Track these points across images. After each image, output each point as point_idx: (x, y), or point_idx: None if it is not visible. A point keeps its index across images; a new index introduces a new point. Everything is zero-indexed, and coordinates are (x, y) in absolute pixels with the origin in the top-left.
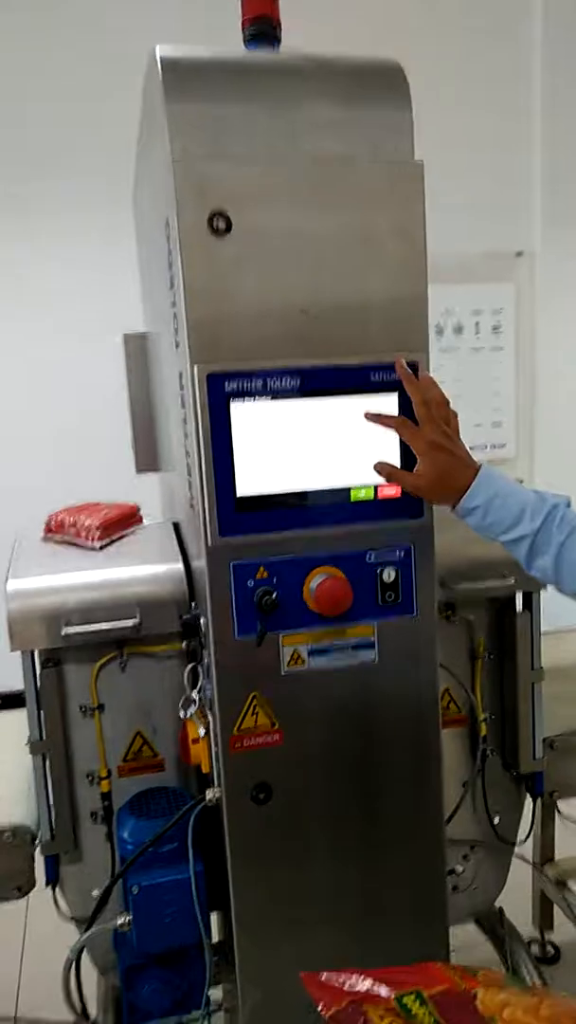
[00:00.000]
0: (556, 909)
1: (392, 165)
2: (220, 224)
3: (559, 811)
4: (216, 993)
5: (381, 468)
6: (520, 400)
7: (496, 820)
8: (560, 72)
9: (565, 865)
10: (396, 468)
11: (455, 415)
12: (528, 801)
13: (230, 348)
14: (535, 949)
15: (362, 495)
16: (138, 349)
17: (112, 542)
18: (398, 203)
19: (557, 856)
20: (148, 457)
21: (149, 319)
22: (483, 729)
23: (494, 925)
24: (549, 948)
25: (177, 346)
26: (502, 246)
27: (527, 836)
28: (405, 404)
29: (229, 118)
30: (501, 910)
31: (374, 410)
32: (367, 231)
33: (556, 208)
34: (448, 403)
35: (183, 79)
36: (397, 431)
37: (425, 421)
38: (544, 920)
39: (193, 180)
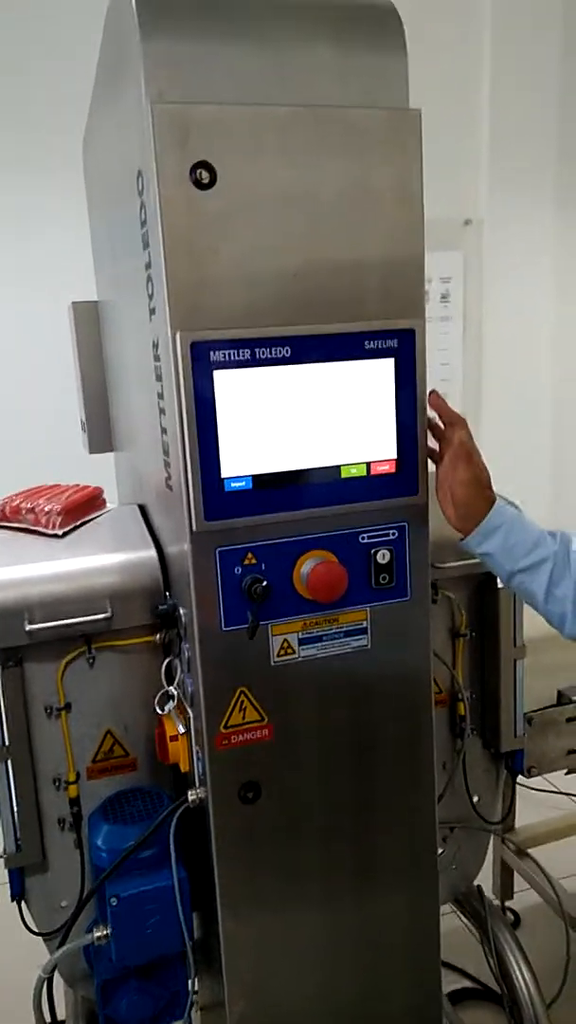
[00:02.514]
0: (516, 876)
1: (388, 112)
2: (203, 176)
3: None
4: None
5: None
6: (467, 370)
7: (476, 799)
8: (509, 40)
9: (525, 834)
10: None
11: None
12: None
13: (215, 314)
14: None
15: (354, 472)
16: (88, 319)
17: (75, 528)
18: (395, 154)
19: (517, 825)
20: (102, 436)
21: (104, 287)
22: (462, 709)
23: (473, 904)
24: (510, 915)
25: (152, 313)
26: (450, 214)
27: (506, 815)
28: (400, 369)
29: (211, 59)
30: (479, 888)
31: (367, 375)
32: (361, 186)
33: (503, 176)
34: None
35: (160, 14)
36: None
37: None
38: (505, 889)
39: (174, 125)
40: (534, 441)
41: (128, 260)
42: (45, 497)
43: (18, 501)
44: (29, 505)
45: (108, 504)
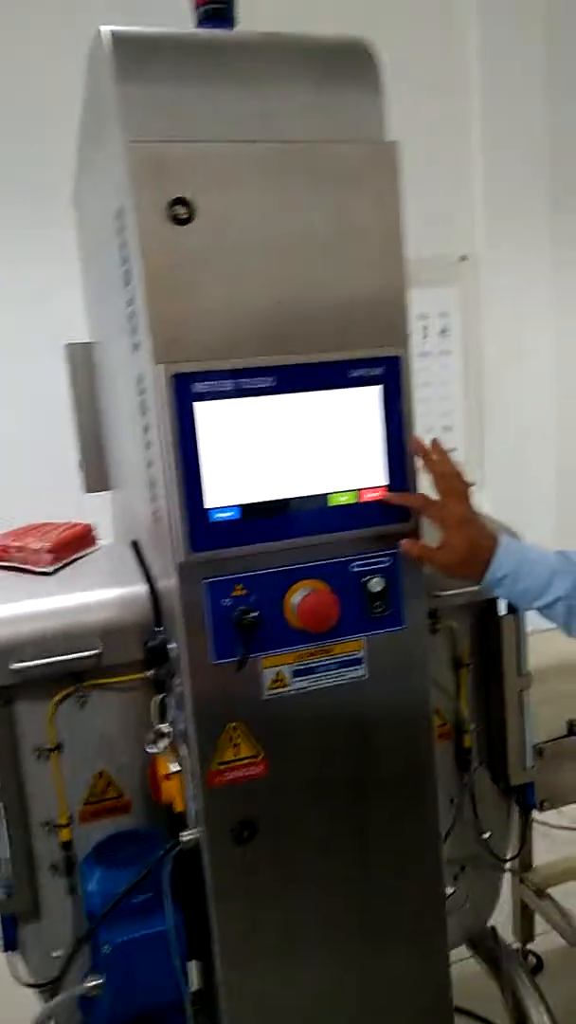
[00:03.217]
0: (537, 917)
1: (366, 146)
2: (181, 212)
3: (534, 818)
4: None
5: (411, 548)
6: (468, 403)
7: (487, 836)
8: (500, 76)
9: (544, 872)
10: (426, 547)
11: (468, 483)
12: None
13: (196, 346)
14: None
15: (343, 500)
16: (83, 360)
17: (65, 565)
18: (373, 186)
19: (535, 863)
20: (97, 475)
21: (96, 327)
22: (469, 741)
23: (488, 945)
24: (531, 959)
25: (136, 347)
26: (445, 250)
27: (519, 852)
28: (387, 396)
29: (188, 100)
30: (494, 929)
31: (352, 404)
32: (341, 217)
33: (498, 212)
34: (461, 473)
35: (136, 58)
36: (423, 511)
37: (449, 494)
38: (525, 930)
39: (149, 163)
40: (537, 472)
41: (114, 299)
42: (34, 535)
43: (7, 540)
44: (18, 544)
45: (100, 541)
